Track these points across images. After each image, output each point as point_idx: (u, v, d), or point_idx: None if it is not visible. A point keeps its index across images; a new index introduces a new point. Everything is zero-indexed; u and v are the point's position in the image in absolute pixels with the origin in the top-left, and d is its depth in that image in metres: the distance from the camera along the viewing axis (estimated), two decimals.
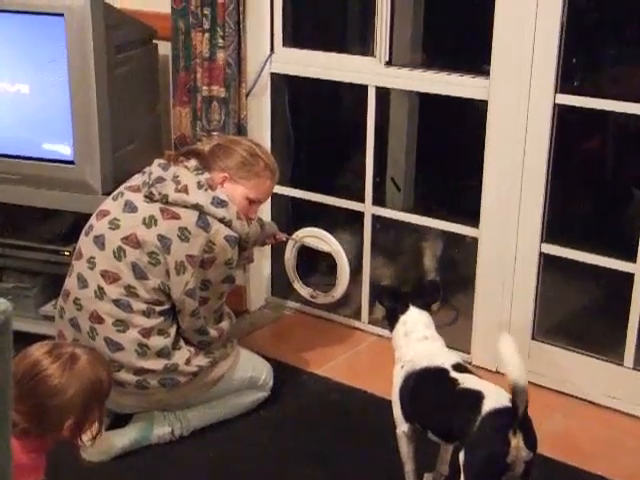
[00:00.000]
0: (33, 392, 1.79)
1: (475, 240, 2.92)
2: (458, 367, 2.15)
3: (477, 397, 1.98)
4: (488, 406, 1.95)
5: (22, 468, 1.68)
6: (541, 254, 2.81)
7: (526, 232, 2.80)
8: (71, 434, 1.86)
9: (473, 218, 2.90)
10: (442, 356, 2.21)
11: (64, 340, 2.49)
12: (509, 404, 1.92)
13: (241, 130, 3.06)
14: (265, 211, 3.26)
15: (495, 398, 1.98)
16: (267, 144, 3.20)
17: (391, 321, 2.34)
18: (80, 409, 1.84)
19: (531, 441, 1.94)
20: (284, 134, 3.40)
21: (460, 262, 3.46)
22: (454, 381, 2.09)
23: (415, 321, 2.29)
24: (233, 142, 2.58)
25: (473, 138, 2.95)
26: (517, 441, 1.90)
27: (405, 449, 2.24)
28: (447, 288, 3.54)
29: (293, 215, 3.47)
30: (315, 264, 3.40)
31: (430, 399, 2.16)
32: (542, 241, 2.80)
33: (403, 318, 2.30)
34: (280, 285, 3.46)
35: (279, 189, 3.20)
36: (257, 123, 3.18)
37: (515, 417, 1.90)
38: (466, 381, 2.08)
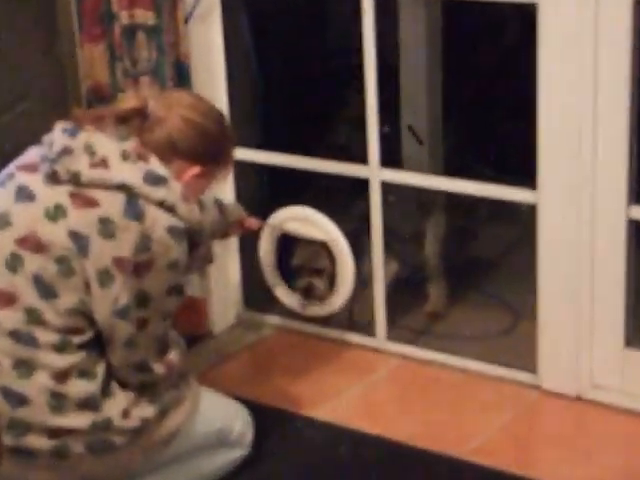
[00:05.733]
0: None
1: (533, 208, 2.93)
2: None
3: None
4: None
5: None
6: (630, 222, 2.82)
7: (606, 192, 2.81)
8: None
9: (528, 178, 2.91)
10: None
11: None
12: None
13: (182, 73, 3.09)
14: (224, 188, 3.22)
15: None
16: (222, 92, 3.24)
17: None
18: None
19: None
20: (247, 75, 3.42)
21: (514, 242, 3.43)
22: None
23: None
24: (200, 112, 2.52)
25: (522, 62, 2.95)
26: None
27: None
28: (498, 280, 3.52)
29: (267, 190, 3.45)
30: None
31: None
32: (630, 203, 2.80)
33: None
34: (256, 294, 3.51)
35: (244, 154, 3.18)
36: (204, 61, 3.20)
37: None
38: None
